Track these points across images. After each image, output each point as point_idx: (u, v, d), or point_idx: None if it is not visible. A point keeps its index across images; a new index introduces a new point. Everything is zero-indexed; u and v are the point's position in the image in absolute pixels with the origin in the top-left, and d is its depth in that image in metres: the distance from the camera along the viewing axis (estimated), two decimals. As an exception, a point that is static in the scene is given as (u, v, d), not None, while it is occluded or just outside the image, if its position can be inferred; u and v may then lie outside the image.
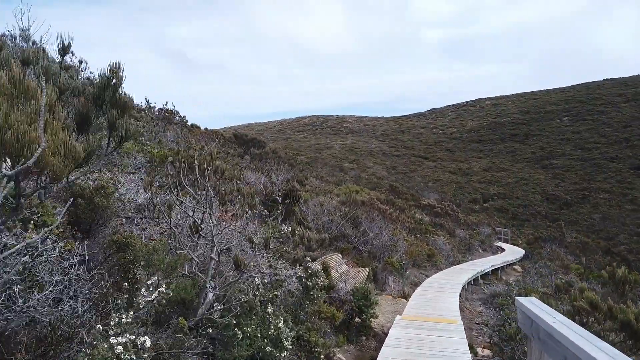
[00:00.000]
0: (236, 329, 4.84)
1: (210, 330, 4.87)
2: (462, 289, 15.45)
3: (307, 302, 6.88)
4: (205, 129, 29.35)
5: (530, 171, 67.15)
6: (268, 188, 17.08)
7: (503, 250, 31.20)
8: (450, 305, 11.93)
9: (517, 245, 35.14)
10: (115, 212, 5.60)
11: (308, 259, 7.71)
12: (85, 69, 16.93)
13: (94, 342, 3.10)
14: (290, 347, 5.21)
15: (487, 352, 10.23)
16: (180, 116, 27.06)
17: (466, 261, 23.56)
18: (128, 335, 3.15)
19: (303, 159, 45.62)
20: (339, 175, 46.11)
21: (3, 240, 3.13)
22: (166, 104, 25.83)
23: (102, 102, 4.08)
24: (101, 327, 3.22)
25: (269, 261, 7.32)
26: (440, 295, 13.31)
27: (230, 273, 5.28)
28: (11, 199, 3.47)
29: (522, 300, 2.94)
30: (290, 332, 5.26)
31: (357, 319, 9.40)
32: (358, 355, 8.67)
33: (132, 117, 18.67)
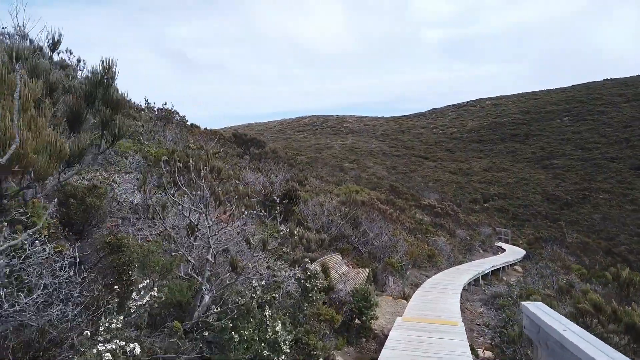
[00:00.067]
0: (233, 332, 4.72)
1: (206, 333, 4.75)
2: (463, 289, 15.33)
3: (306, 304, 6.76)
4: (205, 128, 29.25)
5: (531, 171, 67.03)
6: (267, 188, 16.97)
7: (504, 250, 31.09)
8: (451, 307, 11.81)
9: (518, 246, 35.02)
10: (109, 212, 5.48)
11: (307, 260, 7.59)
12: (84, 68, 16.83)
13: (81, 349, 2.98)
14: (288, 350, 5.10)
15: (488, 353, 10.11)
16: (179, 116, 26.93)
17: (467, 261, 23.45)
18: (118, 342, 3.03)
19: (303, 159, 45.52)
20: (339, 175, 46.00)
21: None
22: (165, 104, 25.71)
23: (94, 99, 3.96)
24: (89, 333, 3.10)
25: (267, 262, 7.20)
26: (441, 296, 13.19)
27: (227, 275, 5.16)
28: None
29: (528, 305, 2.80)
30: (288, 335, 5.15)
31: (357, 321, 9.28)
32: (358, 357, 8.55)
33: (130, 117, 18.58)
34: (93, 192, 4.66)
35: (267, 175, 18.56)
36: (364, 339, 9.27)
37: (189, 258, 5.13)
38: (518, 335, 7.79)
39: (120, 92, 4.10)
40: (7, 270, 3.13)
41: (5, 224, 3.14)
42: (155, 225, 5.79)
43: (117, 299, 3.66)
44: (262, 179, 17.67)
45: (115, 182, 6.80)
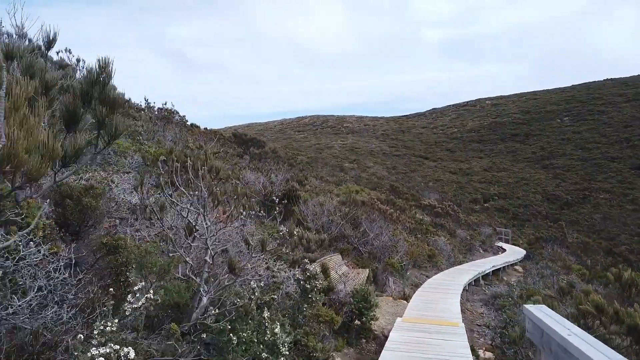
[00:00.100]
0: (231, 334, 4.67)
1: (204, 335, 4.70)
2: (463, 289, 15.28)
3: (306, 306, 6.71)
4: (205, 128, 29.20)
5: (531, 171, 66.99)
6: (267, 188, 16.91)
7: (504, 250, 31.04)
8: (452, 307, 11.76)
9: (518, 246, 34.97)
10: (106, 213, 5.43)
11: (306, 260, 7.54)
12: (83, 68, 16.78)
13: (75, 353, 2.93)
14: (287, 352, 5.05)
15: (489, 354, 10.06)
16: (179, 116, 26.90)
17: (467, 262, 23.40)
18: (112, 345, 2.98)
19: (303, 159, 45.47)
20: (339, 175, 45.96)
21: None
22: (165, 104, 25.68)
23: (91, 98, 3.91)
24: (82, 337, 3.04)
25: (266, 263, 7.15)
26: (442, 296, 13.13)
27: (226, 276, 5.10)
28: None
29: (531, 308, 2.75)
30: (287, 337, 5.09)
31: (357, 322, 9.23)
32: (358, 358, 8.50)
33: (130, 117, 18.54)
34: (89, 193, 4.61)
35: (267, 175, 18.50)
36: (364, 340, 9.21)
37: (187, 259, 5.08)
38: (519, 336, 7.74)
39: (117, 91, 4.05)
40: (1, 272, 3.07)
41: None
42: (153, 225, 5.74)
43: (112, 302, 3.61)
44: (262, 179, 17.61)
45: (114, 182, 6.74)
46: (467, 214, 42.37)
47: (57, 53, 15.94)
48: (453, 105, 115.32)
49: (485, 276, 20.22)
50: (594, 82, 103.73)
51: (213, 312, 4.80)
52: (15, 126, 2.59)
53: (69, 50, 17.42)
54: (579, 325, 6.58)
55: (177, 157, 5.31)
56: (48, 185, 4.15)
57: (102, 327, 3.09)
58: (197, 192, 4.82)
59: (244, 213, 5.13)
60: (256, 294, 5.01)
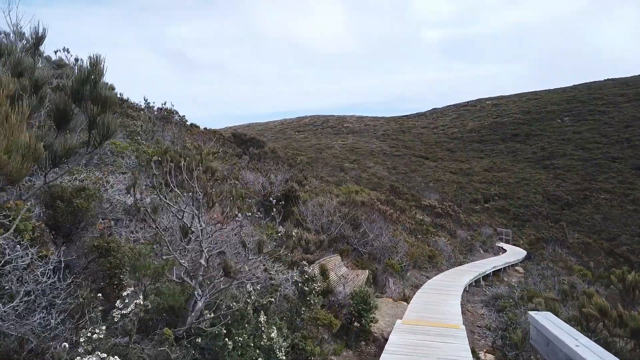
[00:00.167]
0: (226, 339, 4.56)
1: (199, 340, 4.59)
2: (464, 290, 15.18)
3: (304, 308, 6.60)
4: (205, 128, 29.10)
5: (532, 171, 66.84)
6: (266, 188, 16.81)
7: (504, 251, 30.94)
8: (452, 309, 11.65)
9: (519, 246, 34.86)
10: (101, 214, 5.32)
11: (304, 262, 7.42)
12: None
13: (58, 363, 2.82)
14: (284, 357, 4.94)
15: (490, 356, 9.96)
16: (179, 116, 26.81)
17: (467, 262, 23.29)
18: (100, 354, 2.87)
19: (303, 159, 45.34)
20: (339, 175, 45.85)
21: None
22: (165, 104, 25.61)
23: (82, 97, 3.81)
24: (67, 345, 2.93)
25: (264, 265, 7.04)
26: (442, 298, 13.03)
27: (222, 279, 4.99)
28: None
29: (536, 316, 2.63)
30: (284, 341, 4.98)
31: (356, 324, 9.13)
32: (357, 361, 8.41)
33: (129, 116, 18.44)
34: (81, 194, 4.50)
35: (266, 176, 18.39)
36: (364, 343, 9.11)
37: (182, 261, 4.97)
38: (521, 340, 7.63)
39: (109, 89, 3.94)
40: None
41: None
42: (148, 227, 5.63)
43: (100, 308, 3.50)
44: (261, 179, 17.50)
45: (109, 183, 6.63)
46: (467, 214, 42.25)
47: (55, 52, 15.83)
48: (453, 105, 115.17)
49: (485, 277, 20.11)
50: (595, 82, 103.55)
51: (208, 316, 4.69)
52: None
53: (67, 49, 17.29)
54: (582, 328, 6.48)
55: (172, 158, 5.20)
56: (39, 186, 4.04)
57: (89, 334, 2.98)
58: (190, 193, 4.71)
59: (240, 215, 5.02)
60: (252, 297, 4.89)
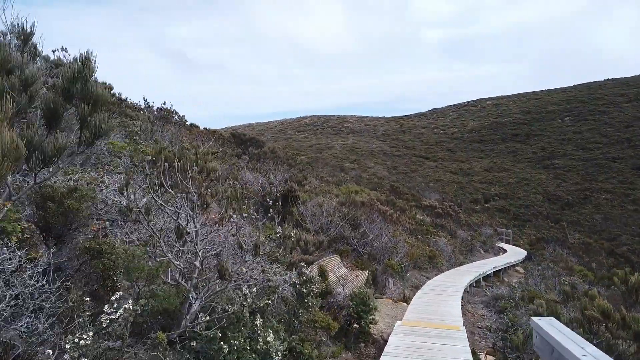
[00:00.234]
0: (222, 343, 4.46)
1: (194, 343, 4.49)
2: (464, 291, 15.09)
3: (302, 311, 6.49)
4: (205, 128, 29.01)
5: (532, 171, 66.75)
6: (266, 189, 16.71)
7: (505, 251, 30.86)
8: (452, 310, 11.56)
9: (519, 246, 34.77)
10: (91, 215, 5.21)
11: (303, 264, 7.32)
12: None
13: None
14: (281, 361, 4.84)
15: (490, 358, 9.86)
16: (179, 116, 26.73)
17: (468, 262, 23.20)
18: (86, 360, 2.78)
19: (303, 159, 45.23)
20: (339, 175, 45.76)
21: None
22: (164, 104, 25.54)
23: (72, 95, 3.71)
24: (52, 352, 2.83)
25: (261, 266, 6.95)
26: (442, 298, 12.94)
27: (217, 281, 4.90)
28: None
29: (539, 321, 2.52)
30: (280, 345, 4.88)
31: (355, 325, 9.03)
32: (356, 363, 8.31)
33: (127, 116, 18.35)
34: (72, 195, 4.41)
35: (265, 176, 18.29)
36: (363, 344, 9.02)
37: (177, 263, 4.87)
38: (522, 342, 7.53)
39: (102, 87, 3.85)
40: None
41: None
42: (142, 228, 5.53)
43: (88, 312, 3.40)
44: (261, 180, 17.41)
45: (104, 183, 6.54)
46: (467, 214, 42.14)
47: (54, 52, 15.72)
48: (454, 105, 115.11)
49: (486, 277, 20.02)
50: (595, 82, 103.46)
51: (203, 319, 4.59)
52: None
53: (65, 49, 17.18)
54: (584, 331, 6.38)
55: (167, 158, 5.11)
56: (29, 186, 3.95)
57: (76, 340, 2.88)
58: (183, 194, 4.62)
59: (235, 216, 4.92)
60: (248, 299, 4.79)
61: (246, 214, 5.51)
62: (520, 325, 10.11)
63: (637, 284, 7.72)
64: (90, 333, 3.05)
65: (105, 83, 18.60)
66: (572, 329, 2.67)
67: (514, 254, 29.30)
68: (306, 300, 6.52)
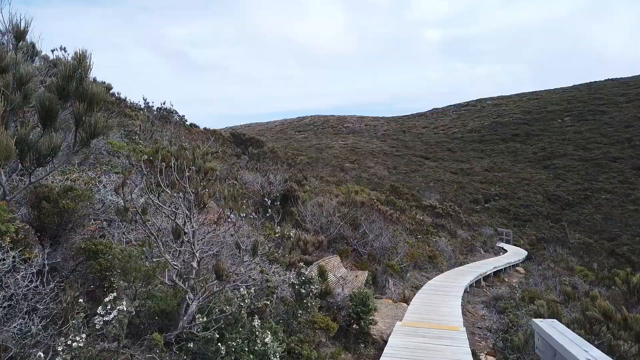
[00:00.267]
0: (219, 344, 4.41)
1: (191, 344, 4.44)
2: (464, 291, 15.03)
3: (300, 311, 6.44)
4: (205, 128, 28.97)
5: (532, 171, 66.64)
6: (265, 188, 16.67)
7: (505, 251, 30.79)
8: (453, 310, 11.51)
9: (519, 246, 34.71)
10: (87, 215, 5.16)
11: (302, 264, 7.27)
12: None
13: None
14: (280, 362, 4.78)
15: (490, 358, 9.81)
16: (178, 116, 26.71)
17: (468, 262, 23.14)
18: (79, 363, 2.73)
19: (304, 159, 45.18)
20: (339, 175, 45.68)
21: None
22: (164, 103, 25.52)
23: (68, 94, 3.66)
24: (42, 355, 2.78)
25: (260, 267, 6.90)
26: (442, 299, 12.89)
27: (215, 282, 4.84)
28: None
29: (541, 324, 2.46)
30: (279, 346, 4.83)
31: (355, 326, 8.98)
32: (356, 364, 8.26)
33: (126, 116, 18.31)
34: (68, 194, 4.36)
35: (265, 176, 18.25)
36: (363, 345, 8.96)
37: (174, 264, 4.82)
38: (523, 343, 7.47)
39: (97, 86, 3.79)
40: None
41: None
42: (139, 229, 5.48)
43: (82, 314, 3.34)
44: (260, 179, 17.37)
45: (102, 183, 6.49)
46: (468, 214, 42.07)
47: (52, 51, 15.66)
48: (454, 105, 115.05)
49: (486, 277, 19.96)
50: (595, 82, 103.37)
51: (201, 320, 4.54)
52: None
53: (64, 48, 17.13)
54: (585, 332, 6.33)
55: (164, 157, 5.06)
56: (24, 186, 3.90)
57: (69, 342, 2.83)
58: (180, 194, 4.56)
59: (232, 215, 4.87)
60: (246, 300, 4.74)
61: (244, 214, 5.46)
62: (520, 326, 10.07)
63: (639, 285, 7.66)
64: (84, 335, 2.99)
65: (104, 83, 18.57)
66: (573, 330, 2.63)
67: (515, 254, 29.24)
68: (305, 301, 6.47)
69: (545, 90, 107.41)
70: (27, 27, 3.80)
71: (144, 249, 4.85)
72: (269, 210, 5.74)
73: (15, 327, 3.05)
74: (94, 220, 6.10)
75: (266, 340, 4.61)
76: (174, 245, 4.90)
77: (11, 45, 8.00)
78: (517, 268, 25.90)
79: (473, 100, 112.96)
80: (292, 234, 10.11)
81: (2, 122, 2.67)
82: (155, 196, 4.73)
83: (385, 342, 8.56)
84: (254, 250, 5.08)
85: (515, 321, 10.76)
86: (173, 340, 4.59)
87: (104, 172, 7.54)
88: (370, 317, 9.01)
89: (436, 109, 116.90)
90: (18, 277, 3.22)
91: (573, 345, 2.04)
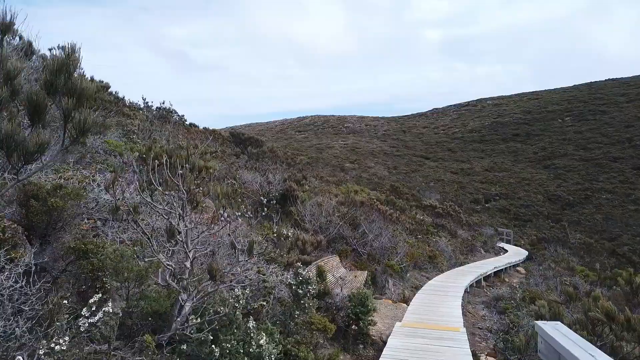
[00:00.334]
0: (213, 346, 4.30)
1: (184, 346, 4.34)
2: (464, 291, 14.93)
3: (298, 312, 6.33)
4: (204, 128, 28.89)
5: (532, 171, 66.53)
6: (264, 188, 16.57)
7: (506, 251, 30.70)
8: (453, 311, 11.41)
9: (520, 246, 34.61)
10: (82, 214, 5.06)
11: (299, 264, 7.16)
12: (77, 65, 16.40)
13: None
14: (275, 364, 4.68)
15: (491, 359, 9.71)
16: (178, 115, 26.63)
17: (468, 262, 23.04)
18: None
19: (304, 159, 45.08)
20: (340, 175, 45.59)
21: None
22: (163, 103, 25.44)
23: (56, 88, 3.56)
24: (27, 357, 2.68)
25: (257, 267, 6.79)
26: (442, 299, 12.79)
27: (209, 282, 4.74)
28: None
29: (544, 326, 2.35)
30: (274, 348, 4.72)
31: (354, 327, 8.88)
32: (354, 366, 8.16)
33: (125, 115, 18.22)
34: (57, 193, 4.26)
35: (264, 175, 18.14)
36: (362, 346, 8.86)
37: (168, 264, 4.72)
38: (524, 344, 7.36)
39: (86, 81, 3.69)
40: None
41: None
42: (132, 228, 5.38)
43: (66, 315, 3.24)
44: (259, 179, 17.27)
45: (96, 182, 6.39)
46: (468, 214, 41.96)
47: (50, 50, 15.58)
48: (454, 105, 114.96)
49: (486, 277, 19.86)
50: (596, 82, 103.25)
51: (195, 321, 4.44)
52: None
53: (62, 47, 17.04)
54: (587, 333, 6.22)
55: (157, 155, 4.97)
56: (11, 184, 3.80)
57: (52, 345, 2.72)
58: (172, 192, 4.46)
59: (225, 214, 4.77)
60: (240, 301, 4.63)
61: (239, 213, 5.36)
62: (521, 327, 9.96)
63: (642, 285, 7.57)
64: (67, 338, 2.89)
65: (102, 81, 18.48)
66: (574, 331, 2.52)
67: (515, 254, 29.14)
68: (302, 302, 6.36)
69: (545, 90, 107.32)
70: (13, 19, 3.70)
71: (136, 248, 4.74)
72: (265, 209, 5.63)
73: (-2, 329, 2.96)
74: (88, 219, 6.00)
75: (261, 342, 4.50)
76: (167, 245, 4.79)
77: (5, 43, 7.87)
78: (518, 268, 25.80)
79: (473, 100, 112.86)
80: (290, 234, 10.00)
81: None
82: (148, 194, 4.63)
83: (385, 343, 8.46)
84: (249, 250, 4.97)
85: (516, 322, 10.65)
86: (166, 342, 4.49)
87: (98, 170, 7.43)
88: (370, 318, 8.90)
89: (436, 109, 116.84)
90: (2, 277, 3.12)
91: (578, 349, 1.92)
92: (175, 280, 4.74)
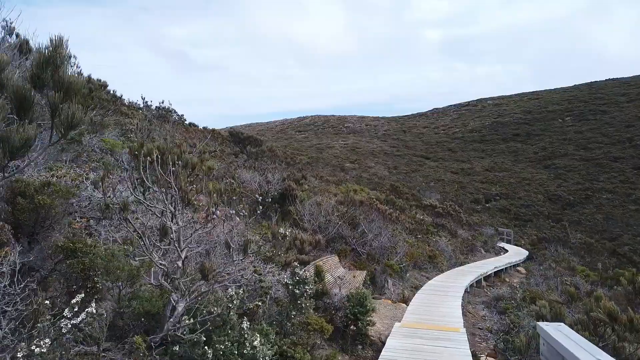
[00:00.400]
0: (206, 347, 4.20)
1: (176, 348, 4.23)
2: (465, 291, 14.82)
3: (294, 313, 6.23)
4: (204, 127, 28.82)
5: (533, 171, 66.43)
6: (263, 187, 16.47)
7: (506, 251, 30.60)
8: (453, 311, 11.30)
9: (520, 246, 34.51)
10: (73, 212, 4.96)
11: (296, 264, 7.06)
12: (74, 64, 16.34)
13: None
14: (270, 366, 4.57)
15: (491, 360, 9.60)
16: (177, 115, 26.54)
17: (468, 262, 22.93)
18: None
19: (304, 159, 44.99)
20: (340, 175, 45.50)
21: None
22: (162, 102, 25.36)
23: (43, 82, 3.46)
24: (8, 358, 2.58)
25: (254, 266, 6.69)
26: (442, 299, 12.68)
27: (203, 282, 4.64)
28: None
29: (546, 328, 2.24)
30: (269, 349, 4.62)
31: (352, 327, 8.77)
32: (353, 367, 8.06)
33: (123, 114, 18.13)
34: (45, 190, 4.15)
35: (263, 174, 18.04)
36: (360, 347, 8.75)
37: (161, 263, 4.61)
38: (525, 345, 7.26)
39: (73, 75, 3.59)
40: None
41: None
42: (125, 226, 5.27)
43: (49, 316, 3.14)
44: (258, 178, 17.16)
45: (89, 179, 6.29)
46: (468, 214, 41.85)
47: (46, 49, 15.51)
48: (454, 105, 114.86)
49: (487, 277, 19.76)
50: (596, 81, 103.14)
51: (187, 321, 4.33)
52: None
53: (50, 40, 16.94)
54: (589, 334, 6.12)
55: (149, 151, 4.87)
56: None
57: (32, 348, 2.62)
58: (163, 190, 4.36)
59: (217, 212, 4.66)
60: (234, 301, 4.53)
61: (233, 211, 5.26)
62: (522, 327, 9.86)
63: (645, 285, 7.46)
64: (47, 340, 2.79)
65: (100, 80, 18.39)
66: (576, 332, 2.42)
67: (515, 253, 29.04)
68: (299, 302, 6.25)
69: (545, 90, 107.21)
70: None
71: (126, 247, 4.64)
72: (261, 207, 5.53)
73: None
74: (81, 217, 5.89)
75: (255, 343, 4.39)
76: (159, 244, 4.69)
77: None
78: (518, 268, 25.70)
79: (473, 100, 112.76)
80: (287, 233, 9.89)
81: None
82: (139, 192, 4.53)
83: (384, 343, 8.37)
84: (244, 249, 4.87)
85: (517, 322, 10.55)
86: (159, 343, 4.39)
87: (92, 169, 7.33)
88: (368, 318, 8.80)
89: (436, 108, 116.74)
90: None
91: (582, 351, 1.82)
92: (168, 280, 4.63)
